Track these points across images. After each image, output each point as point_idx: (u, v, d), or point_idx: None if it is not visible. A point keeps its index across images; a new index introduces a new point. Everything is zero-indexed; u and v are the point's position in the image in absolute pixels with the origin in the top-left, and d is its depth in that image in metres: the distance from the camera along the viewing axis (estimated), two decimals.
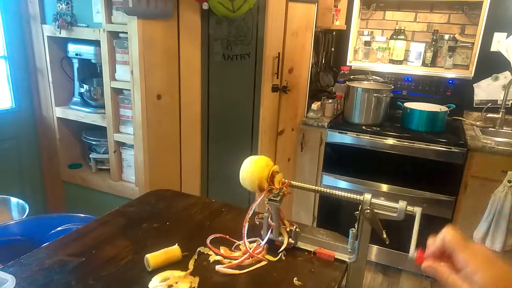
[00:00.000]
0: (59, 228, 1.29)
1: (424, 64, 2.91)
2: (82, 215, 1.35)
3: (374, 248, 2.69)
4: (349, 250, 0.84)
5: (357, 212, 0.76)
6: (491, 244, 2.28)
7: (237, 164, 0.94)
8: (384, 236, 0.73)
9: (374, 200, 0.74)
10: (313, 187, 0.81)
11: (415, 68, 2.92)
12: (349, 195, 0.77)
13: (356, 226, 0.79)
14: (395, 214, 0.73)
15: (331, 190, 0.80)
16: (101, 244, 0.93)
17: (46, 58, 2.00)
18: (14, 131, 2.05)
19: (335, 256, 0.88)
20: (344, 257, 0.86)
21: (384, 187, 2.54)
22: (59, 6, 1.87)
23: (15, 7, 1.95)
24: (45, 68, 2.02)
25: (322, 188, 0.81)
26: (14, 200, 1.69)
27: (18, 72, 2.02)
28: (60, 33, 1.88)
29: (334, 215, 2.69)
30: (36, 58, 2.04)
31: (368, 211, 0.74)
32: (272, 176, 0.87)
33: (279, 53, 2.30)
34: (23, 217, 1.54)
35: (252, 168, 0.86)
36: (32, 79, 2.07)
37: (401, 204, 0.72)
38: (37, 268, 0.82)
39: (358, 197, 0.76)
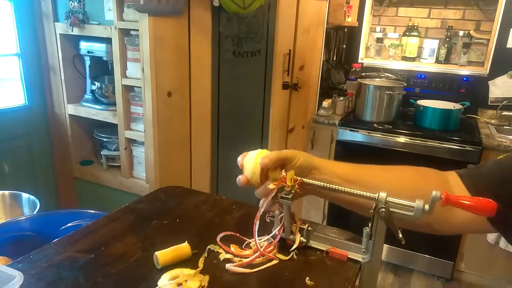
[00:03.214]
0: (69, 224, 1.29)
1: (437, 61, 2.86)
2: (92, 211, 1.34)
3: (385, 247, 2.65)
4: (363, 249, 0.82)
5: (372, 211, 0.74)
6: (506, 245, 2.23)
7: None
8: (400, 236, 0.70)
9: (390, 199, 0.72)
10: (326, 185, 0.79)
11: (428, 65, 2.87)
12: (363, 193, 0.74)
13: (369, 225, 0.77)
14: (411, 213, 0.70)
15: (344, 188, 0.78)
16: (110, 240, 0.92)
17: (58, 55, 2.01)
18: (27, 128, 2.07)
19: (348, 256, 0.85)
20: (358, 256, 0.84)
21: None
22: (71, 4, 1.87)
23: (28, 5, 1.96)
24: (58, 65, 2.03)
25: (335, 186, 0.78)
26: (25, 196, 1.70)
27: (30, 69, 2.04)
28: (72, 31, 1.89)
29: (345, 213, 2.64)
30: (48, 55, 2.05)
31: (384, 210, 0.72)
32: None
33: (290, 50, 2.27)
34: (34, 212, 1.55)
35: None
36: (45, 76, 2.09)
37: (418, 203, 0.69)
38: (46, 265, 0.82)
39: (372, 195, 0.73)
